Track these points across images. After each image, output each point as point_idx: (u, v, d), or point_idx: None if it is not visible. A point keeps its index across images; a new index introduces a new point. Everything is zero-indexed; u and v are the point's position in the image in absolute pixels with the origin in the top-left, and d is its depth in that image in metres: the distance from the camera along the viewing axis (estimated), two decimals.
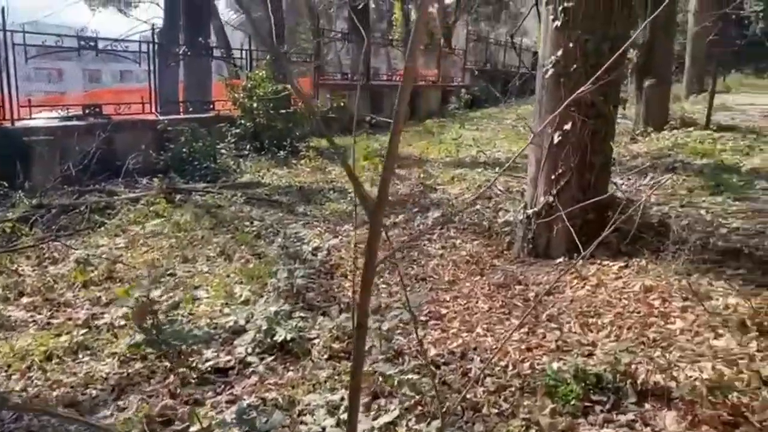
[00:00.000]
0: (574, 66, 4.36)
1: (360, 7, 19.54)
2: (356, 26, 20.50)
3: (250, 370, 3.28)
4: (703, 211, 5.61)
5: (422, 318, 3.85)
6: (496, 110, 19.14)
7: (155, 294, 4.02)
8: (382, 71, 33.67)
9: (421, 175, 8.84)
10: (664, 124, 10.70)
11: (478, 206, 6.79)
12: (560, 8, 4.33)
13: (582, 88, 2.47)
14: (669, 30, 10.43)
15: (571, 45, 4.34)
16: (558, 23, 4.37)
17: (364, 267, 1.55)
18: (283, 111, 12.02)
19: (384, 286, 4.50)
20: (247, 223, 6.44)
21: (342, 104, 13.10)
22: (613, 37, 4.29)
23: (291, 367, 3.33)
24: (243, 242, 5.85)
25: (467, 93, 21.85)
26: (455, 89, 22.15)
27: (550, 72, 4.46)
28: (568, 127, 4.47)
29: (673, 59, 11.42)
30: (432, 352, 3.37)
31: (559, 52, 4.40)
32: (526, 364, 3.10)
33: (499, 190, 7.44)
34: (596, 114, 4.43)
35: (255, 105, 11.54)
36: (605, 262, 4.34)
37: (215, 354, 3.59)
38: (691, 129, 10.12)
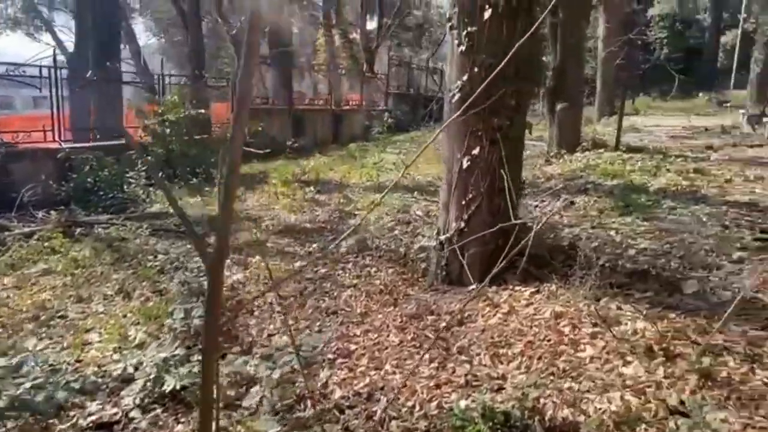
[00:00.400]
0: (480, 90, 4.30)
1: (280, 32, 19.36)
2: (277, 51, 20.31)
3: (132, 426, 2.97)
4: (612, 232, 5.68)
5: (329, 356, 3.64)
6: (419, 134, 19.29)
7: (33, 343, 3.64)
8: (308, 95, 33.52)
9: (341, 201, 8.67)
10: (577, 146, 11.01)
11: (396, 231, 6.68)
12: (464, 33, 4.29)
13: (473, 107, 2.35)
14: (579, 55, 10.77)
15: (476, 70, 4.30)
16: (462, 48, 4.32)
17: (204, 326, 1.34)
18: (198, 137, 11.63)
19: (292, 322, 4.26)
20: (151, 257, 6.06)
21: (259, 129, 12.78)
22: (517, 62, 4.27)
23: (182, 419, 3.04)
24: (145, 278, 5.48)
25: (390, 117, 21.98)
26: (378, 113, 22.23)
27: (456, 97, 4.40)
28: (476, 151, 4.40)
29: (583, 83, 11.78)
30: (337, 394, 3.16)
31: (465, 77, 4.35)
32: (434, 403, 2.94)
33: (417, 215, 7.37)
34: (504, 137, 4.39)
35: (168, 131, 11.09)
36: (517, 288, 4.27)
37: (100, 407, 3.25)
38: (602, 150, 10.44)
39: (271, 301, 4.62)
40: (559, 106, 10.93)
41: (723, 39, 40.46)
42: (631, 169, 8.86)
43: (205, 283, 4.78)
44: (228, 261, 5.88)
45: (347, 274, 5.20)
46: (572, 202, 7.30)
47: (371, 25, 33.58)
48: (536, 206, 7.41)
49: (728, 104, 22.66)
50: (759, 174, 8.43)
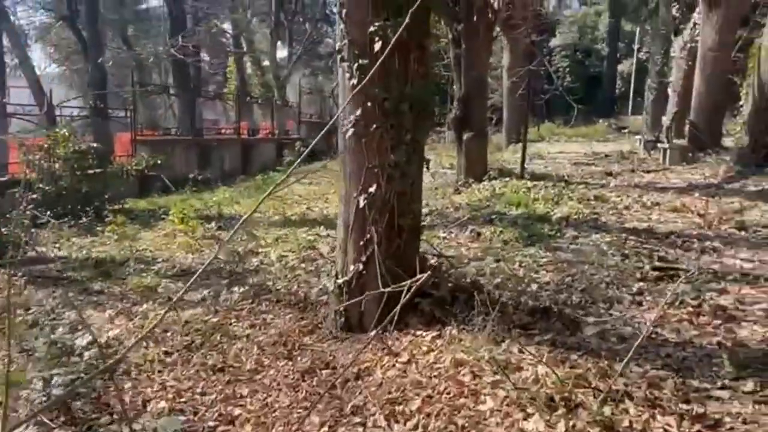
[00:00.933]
0: (375, 126, 4.11)
1: (183, 60, 18.76)
2: (182, 80, 19.67)
3: None
4: (516, 265, 5.61)
5: (210, 424, 3.26)
6: (332, 162, 19.06)
7: None
8: (221, 124, 32.72)
9: (243, 238, 8.25)
10: (484, 175, 11.10)
11: (299, 271, 6.35)
12: (355, 66, 4.09)
13: None
14: (482, 85, 10.92)
15: (369, 104, 4.10)
16: (354, 81, 4.11)
17: None
18: (91, 171, 10.89)
19: (173, 383, 3.84)
20: (21, 311, 5.44)
21: (159, 161, 12.15)
22: (410, 96, 4.11)
23: None
24: (12, 336, 4.86)
25: (303, 145, 21.67)
26: (291, 142, 21.88)
27: (350, 132, 4.18)
28: (373, 189, 4.19)
29: (487, 112, 11.96)
30: None
31: (358, 112, 4.14)
32: None
33: (323, 252, 7.07)
34: (401, 175, 4.20)
35: (56, 166, 10.31)
36: (419, 333, 4.05)
37: None
38: (508, 179, 10.56)
39: (152, 359, 4.17)
40: (465, 136, 11.00)
41: (620, 68, 42.95)
42: (535, 198, 8.97)
43: (78, 341, 4.27)
44: (109, 312, 5.36)
45: (241, 324, 4.82)
46: (478, 234, 7.24)
47: (283, 53, 33.36)
48: (444, 237, 7.30)
49: (626, 130, 23.85)
50: (655, 200, 8.72)
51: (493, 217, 7.79)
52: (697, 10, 16.02)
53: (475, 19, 10.14)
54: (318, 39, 31.91)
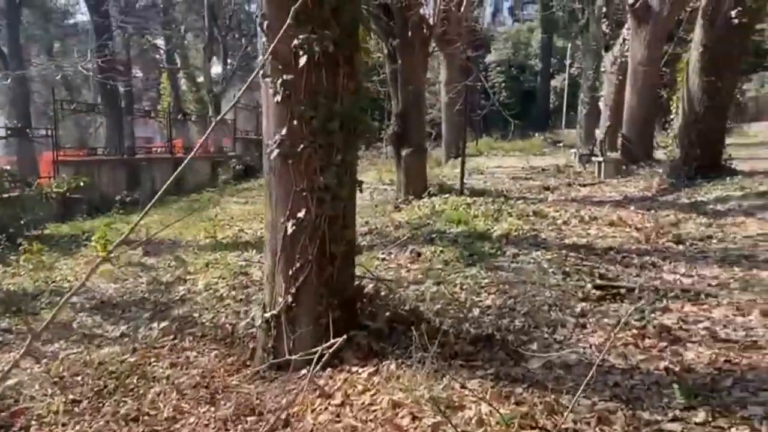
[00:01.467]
0: (302, 146, 3.81)
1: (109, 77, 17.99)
2: (110, 97, 18.84)
3: None
4: (458, 288, 5.39)
5: None
6: None
7: None
8: (155, 142, 31.60)
9: (170, 265, 7.77)
10: (424, 191, 10.94)
11: (229, 300, 5.94)
12: (279, 82, 3.78)
13: None
14: (420, 100, 10.78)
15: (295, 123, 3.79)
16: (278, 98, 3.81)
17: None
18: (6, 195, 10.13)
19: None
20: None
21: (82, 183, 11.45)
22: (340, 114, 3.84)
23: None
24: None
25: (239, 163, 21.11)
26: (226, 159, 21.27)
27: (275, 153, 3.86)
28: (302, 214, 3.87)
29: (425, 128, 11.82)
30: None
31: (284, 131, 3.83)
32: None
33: (256, 279, 6.68)
34: (332, 198, 3.91)
35: None
36: (354, 369, 3.74)
37: None
38: (448, 195, 10.42)
39: (57, 409, 3.70)
40: (404, 152, 10.82)
41: (554, 83, 44.10)
42: (475, 214, 8.83)
43: None
44: (12, 354, 4.83)
45: (161, 363, 4.39)
46: (419, 254, 7.01)
47: (218, 68, 32.65)
48: (384, 259, 7.04)
49: (561, 144, 24.36)
50: (593, 214, 8.73)
51: (434, 236, 7.58)
52: (626, 26, 16.47)
53: (410, 34, 10.00)
54: (254, 54, 31.35)
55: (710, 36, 9.77)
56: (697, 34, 10.13)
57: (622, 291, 5.17)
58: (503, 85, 45.03)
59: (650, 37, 14.20)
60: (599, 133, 15.05)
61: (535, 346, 4.00)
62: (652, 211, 8.76)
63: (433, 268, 6.28)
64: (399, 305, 4.55)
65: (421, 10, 11.10)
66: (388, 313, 4.22)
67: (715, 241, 7.01)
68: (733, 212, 7.98)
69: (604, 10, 19.63)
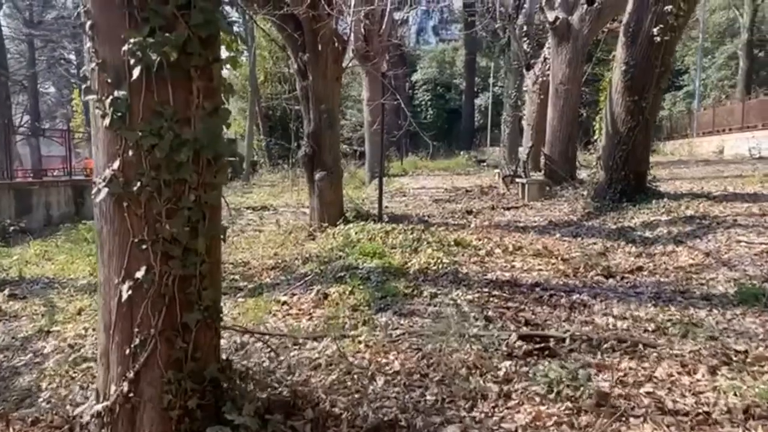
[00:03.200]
0: (140, 183, 2.87)
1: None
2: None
3: None
4: (362, 345, 4.53)
5: None
6: None
7: None
8: (61, 164, 29.36)
9: (36, 312, 6.58)
10: (340, 217, 10.09)
11: (91, 364, 4.85)
12: (108, 100, 2.84)
13: None
14: (333, 119, 9.96)
15: (130, 153, 2.86)
16: (107, 122, 2.86)
17: None
18: None
19: None
20: None
21: None
22: (193, 141, 2.93)
23: None
24: None
25: None
26: None
27: (104, 192, 2.90)
28: (141, 273, 2.92)
29: (339, 148, 11.03)
30: None
31: (116, 164, 2.88)
32: None
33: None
34: (183, 251, 2.98)
35: None
36: None
37: None
38: (364, 223, 9.59)
39: None
40: (317, 175, 9.96)
41: (478, 101, 44.50)
42: (392, 244, 8.05)
43: None
44: None
45: None
46: (325, 295, 6.13)
47: None
48: (284, 302, 6.12)
49: (485, 163, 24.17)
50: (517, 242, 8.14)
51: (343, 274, 6.72)
52: (547, 45, 16.32)
53: (320, 48, 9.18)
54: None
55: (632, 54, 9.46)
56: (620, 53, 9.82)
57: (552, 342, 4.46)
58: (429, 103, 45.17)
59: (571, 56, 14.01)
60: (522, 154, 14.70)
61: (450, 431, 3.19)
62: (579, 239, 8.26)
63: (338, 315, 5.41)
64: (282, 380, 3.64)
65: (336, 23, 10.34)
66: (264, 395, 3.31)
67: (646, 273, 6.50)
68: (662, 240, 7.53)
69: (525, 29, 19.55)
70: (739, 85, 29.57)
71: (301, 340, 4.73)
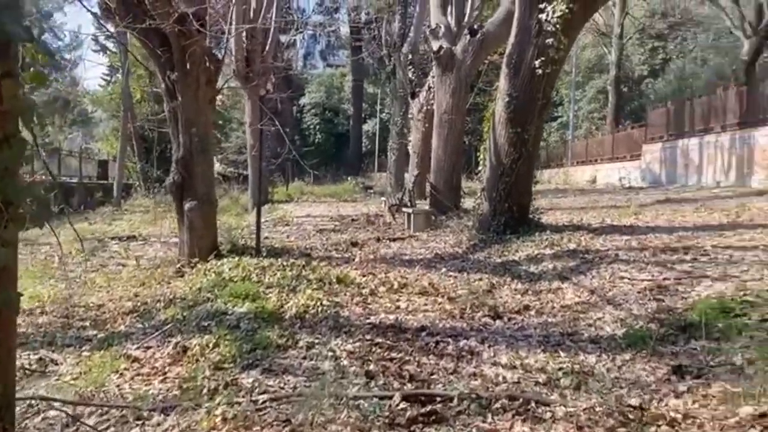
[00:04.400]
0: None
1: None
2: None
3: None
4: (219, 419, 3.81)
5: None
6: (68, 225, 15.48)
7: None
8: None
9: None
10: (214, 251, 9.22)
11: None
12: None
13: None
14: (206, 144, 9.14)
15: None
16: None
17: None
18: None
19: None
20: None
21: None
22: None
23: None
24: None
25: None
26: None
27: None
28: None
29: (213, 175, 10.21)
30: None
31: None
32: None
33: None
34: None
35: None
36: None
37: None
38: (240, 257, 8.80)
39: None
40: (187, 205, 9.06)
41: (366, 127, 44.68)
42: (269, 283, 7.34)
43: None
44: None
45: None
46: (185, 349, 5.33)
47: None
48: (135, 359, 5.24)
49: (372, 190, 23.95)
50: (403, 278, 7.71)
51: (208, 322, 5.93)
52: (432, 74, 16.37)
53: (189, 67, 8.38)
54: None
55: (515, 86, 9.46)
56: (503, 84, 9.81)
57: (439, 403, 3.97)
58: (318, 127, 44.78)
59: (455, 86, 14.06)
60: (408, 183, 14.51)
61: None
62: (465, 274, 7.97)
63: (197, 375, 4.64)
64: None
65: (210, 41, 9.58)
66: None
67: (533, 312, 6.25)
68: (547, 275, 7.38)
69: (410, 57, 19.64)
70: (609, 117, 31.58)
71: (145, 413, 3.94)
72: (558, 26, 8.87)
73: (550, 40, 8.93)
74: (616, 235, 9.01)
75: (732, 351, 4.41)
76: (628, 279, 6.69)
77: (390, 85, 25.33)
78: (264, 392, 4.27)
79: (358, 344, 5.23)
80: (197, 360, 5.03)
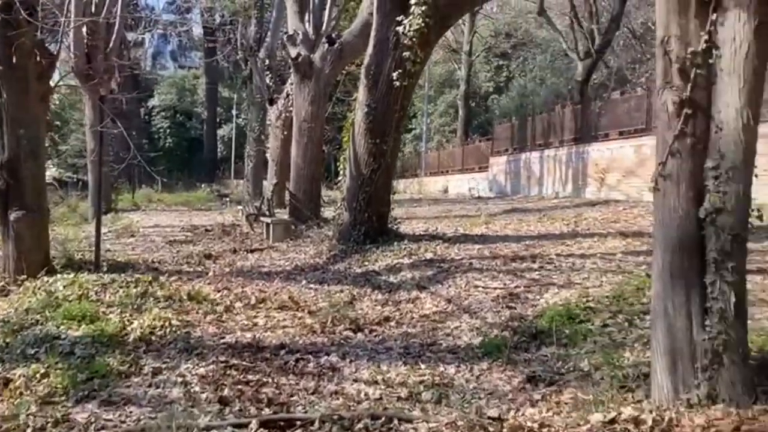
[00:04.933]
0: None
1: None
2: None
3: None
4: None
5: None
6: None
7: None
8: None
9: None
10: (45, 266, 8.24)
11: None
12: None
13: None
14: (36, 147, 8.19)
15: None
16: None
17: None
18: None
19: None
20: None
21: None
22: None
23: None
24: None
25: None
26: None
27: None
28: None
29: (44, 181, 9.21)
30: None
31: None
32: None
33: None
34: None
35: None
36: None
37: None
38: (76, 274, 7.93)
39: None
40: (13, 215, 8.03)
41: (221, 132, 43.18)
42: (110, 302, 6.66)
43: None
44: None
45: None
46: (7, 382, 4.64)
47: None
48: None
49: (228, 198, 23.10)
50: (261, 293, 7.42)
51: (36, 350, 5.23)
52: (290, 81, 16.13)
53: (15, 60, 7.46)
54: None
55: (374, 97, 9.50)
56: (362, 95, 9.82)
57: (299, 428, 3.76)
58: (168, 131, 42.54)
59: (314, 94, 13.94)
60: (267, 191, 14.13)
61: None
62: (326, 285, 7.82)
63: (19, 412, 4.03)
64: None
65: (42, 32, 8.62)
66: None
67: (393, 323, 6.24)
68: (406, 285, 7.43)
69: (267, 62, 19.24)
70: (459, 131, 33.11)
71: None
72: (415, 40, 9.03)
73: (407, 53, 9.06)
74: (470, 244, 9.33)
75: (579, 356, 4.64)
76: (483, 287, 6.90)
77: (247, 89, 24.68)
78: (102, 428, 3.81)
79: (211, 367, 4.87)
80: (21, 394, 4.39)
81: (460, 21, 29.32)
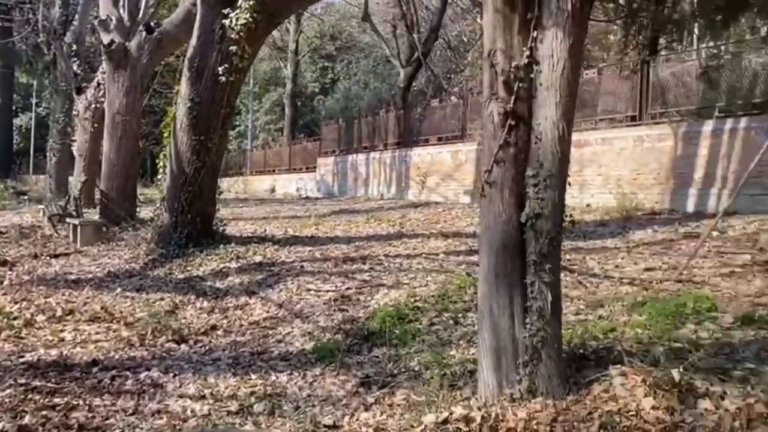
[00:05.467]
0: None
1: None
2: None
3: None
4: None
5: None
6: None
7: None
8: None
9: None
10: None
11: None
12: None
13: None
14: None
15: None
16: None
17: None
18: None
19: None
20: None
21: None
22: None
23: None
24: None
25: None
26: None
27: None
28: None
29: None
30: None
31: None
32: None
33: None
34: None
35: None
36: None
37: None
38: None
39: None
40: None
41: (18, 121, 38.60)
42: None
43: None
44: None
45: None
46: None
47: None
48: None
49: (26, 196, 20.66)
50: (69, 303, 6.70)
51: None
52: (102, 69, 14.83)
53: None
54: None
55: (198, 91, 8.98)
56: (184, 88, 9.25)
57: None
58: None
59: (129, 84, 12.95)
60: (74, 189, 12.82)
61: None
62: (144, 293, 7.25)
63: None
64: None
65: None
66: None
67: (221, 332, 5.94)
68: (234, 291, 7.13)
69: (75, 48, 17.51)
70: (286, 130, 32.82)
71: None
72: (242, 34, 8.70)
73: (234, 48, 8.70)
74: (300, 246, 9.23)
75: (409, 356, 4.76)
76: (314, 291, 6.84)
77: (49, 76, 22.25)
78: None
79: (8, 392, 4.25)
80: None
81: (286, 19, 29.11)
